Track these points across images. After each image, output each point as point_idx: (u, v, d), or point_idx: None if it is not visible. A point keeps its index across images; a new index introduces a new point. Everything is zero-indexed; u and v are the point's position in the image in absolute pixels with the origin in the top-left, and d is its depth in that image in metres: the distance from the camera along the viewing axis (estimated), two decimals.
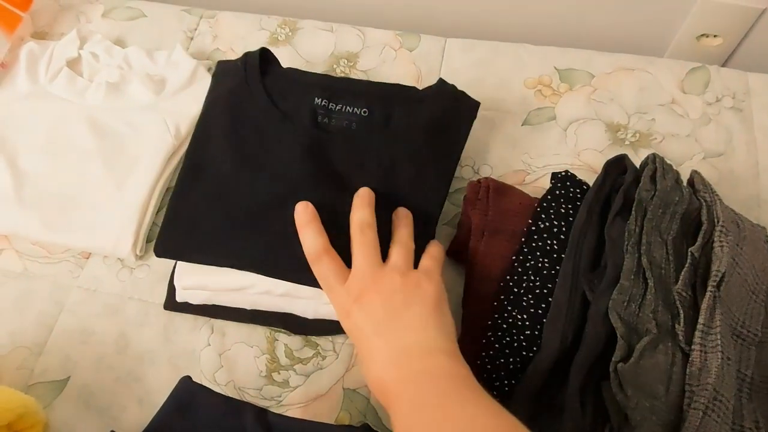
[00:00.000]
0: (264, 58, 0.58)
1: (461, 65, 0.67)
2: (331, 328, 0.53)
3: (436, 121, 0.54)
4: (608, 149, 0.61)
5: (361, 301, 0.45)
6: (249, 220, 0.50)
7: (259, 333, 0.55)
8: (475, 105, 0.57)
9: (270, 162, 0.53)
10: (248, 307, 0.53)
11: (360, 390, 0.52)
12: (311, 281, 0.48)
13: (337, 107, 0.56)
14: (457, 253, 0.55)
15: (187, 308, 0.55)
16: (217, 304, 0.53)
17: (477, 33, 0.71)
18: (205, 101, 0.58)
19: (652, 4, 0.72)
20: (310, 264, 0.47)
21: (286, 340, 0.54)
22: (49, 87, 0.66)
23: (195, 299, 0.53)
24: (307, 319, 0.53)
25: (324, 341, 0.54)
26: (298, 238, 0.49)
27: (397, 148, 0.53)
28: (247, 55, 0.59)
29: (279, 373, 0.53)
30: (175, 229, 0.51)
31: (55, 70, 0.67)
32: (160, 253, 0.51)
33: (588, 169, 0.60)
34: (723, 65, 0.76)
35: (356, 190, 0.51)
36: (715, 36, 0.74)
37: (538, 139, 0.62)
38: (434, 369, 0.41)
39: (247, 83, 0.57)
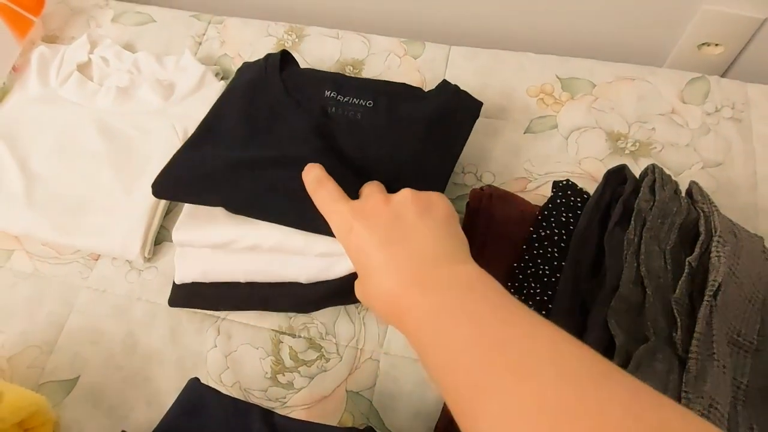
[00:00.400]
0: (284, 58, 0.62)
1: (464, 73, 0.69)
2: (329, 293, 0.52)
3: (439, 113, 0.56)
4: (608, 158, 0.62)
5: (366, 215, 0.41)
6: (248, 170, 0.52)
7: (264, 335, 0.56)
8: (478, 103, 0.59)
9: (278, 137, 0.56)
10: (243, 280, 0.54)
11: (363, 392, 0.53)
12: (304, 220, 0.49)
13: (345, 99, 0.59)
14: None
15: (189, 300, 0.56)
16: (213, 280, 0.54)
17: (480, 41, 0.72)
18: (225, 89, 0.62)
19: (653, 13, 0.73)
20: (311, 194, 0.46)
21: (291, 342, 0.56)
22: (60, 90, 0.68)
23: (191, 273, 0.54)
24: (303, 287, 0.53)
25: (328, 344, 0.55)
26: (294, 187, 0.49)
27: (399, 135, 0.55)
28: (269, 55, 0.63)
29: (284, 375, 0.54)
30: (175, 171, 0.54)
31: (65, 73, 0.68)
32: (156, 192, 0.54)
33: (588, 177, 0.61)
34: (724, 74, 0.78)
35: (358, 171, 0.51)
36: (716, 45, 0.75)
37: (540, 147, 0.63)
38: (459, 276, 0.37)
39: (267, 76, 0.60)
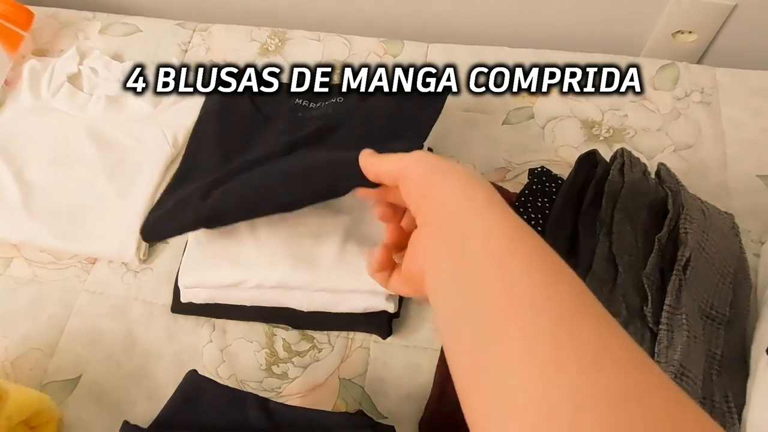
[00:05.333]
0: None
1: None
2: (326, 321, 0.56)
3: (409, 97, 0.58)
4: (584, 145, 0.65)
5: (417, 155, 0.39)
6: (227, 180, 0.54)
7: (258, 329, 0.58)
8: (447, 87, 0.60)
9: (252, 154, 0.57)
10: (248, 304, 0.56)
11: (354, 379, 0.55)
12: (312, 185, 0.47)
13: (316, 105, 0.61)
14: None
15: (192, 310, 0.58)
16: (219, 302, 0.57)
17: (458, 38, 0.74)
18: (200, 112, 0.63)
19: (628, 2, 0.75)
20: (373, 166, 0.42)
21: (284, 335, 0.58)
22: (52, 102, 0.70)
23: (198, 299, 0.56)
24: (303, 312, 0.56)
25: (320, 335, 0.57)
26: (281, 170, 0.51)
27: (370, 114, 0.57)
28: None
29: (278, 366, 0.56)
30: (157, 212, 0.56)
31: (56, 85, 0.70)
32: (146, 236, 0.56)
33: (565, 164, 0.63)
34: (699, 61, 0.80)
35: (329, 147, 0.53)
36: (690, 32, 0.77)
37: (517, 138, 0.66)
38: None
39: (235, 96, 0.62)
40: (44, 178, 0.65)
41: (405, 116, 0.55)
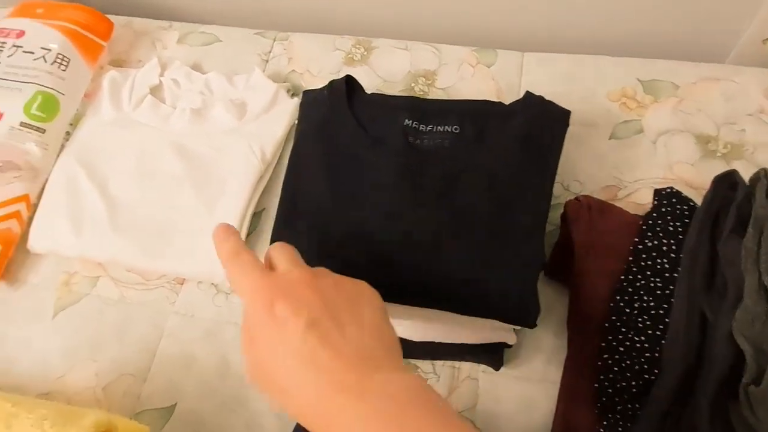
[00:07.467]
0: (349, 85, 0.59)
1: (541, 79, 0.67)
2: (435, 350, 0.52)
3: (530, 129, 0.54)
4: (700, 162, 0.60)
5: (289, 292, 0.36)
6: (349, 248, 0.50)
7: None
8: (566, 112, 0.56)
9: (366, 188, 0.53)
10: None
11: (464, 413, 0.52)
12: (416, 300, 0.48)
13: (428, 128, 0.56)
14: (553, 273, 0.55)
15: None
16: None
17: (553, 47, 0.70)
18: (296, 133, 0.59)
19: (715, 9, 0.70)
20: (224, 265, 0.40)
21: None
22: (133, 114, 0.68)
23: None
24: (414, 342, 0.52)
25: (424, 364, 0.54)
26: (400, 259, 0.48)
27: (493, 161, 0.53)
28: (332, 83, 0.60)
29: None
30: None
31: (138, 97, 0.68)
32: None
33: (681, 182, 0.59)
34: None
35: (456, 207, 0.51)
36: None
37: (626, 153, 0.62)
38: (397, 384, 0.33)
39: (335, 112, 0.57)
40: (128, 193, 0.63)
41: (524, 169, 0.52)
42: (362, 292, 0.39)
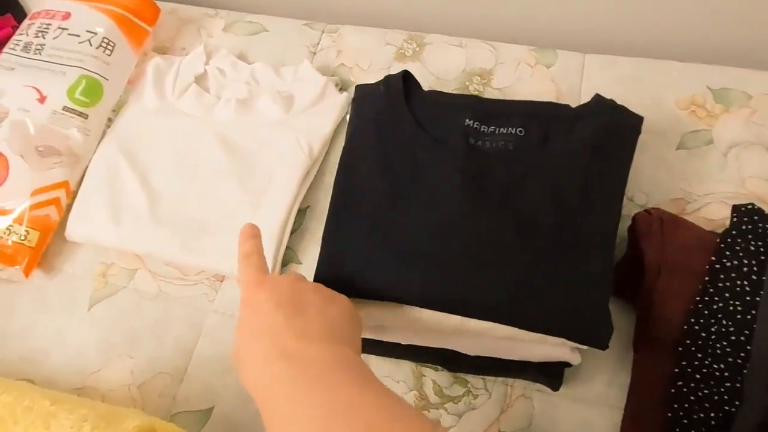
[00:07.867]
0: (406, 81, 0.56)
1: (603, 83, 0.63)
2: (489, 366, 0.49)
3: (601, 136, 0.51)
4: None
5: (272, 284, 0.41)
6: (409, 253, 0.47)
7: (404, 367, 0.52)
8: (638, 119, 0.53)
9: (426, 190, 0.50)
10: (404, 342, 0.50)
11: None
12: (480, 313, 0.45)
13: (490, 129, 0.53)
14: (618, 289, 0.51)
15: None
16: (365, 336, 0.51)
17: (615, 49, 0.66)
18: (348, 129, 0.56)
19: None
20: (238, 262, 0.44)
21: (434, 376, 0.51)
22: (177, 103, 0.65)
23: None
24: (466, 355, 0.49)
25: (474, 379, 0.51)
26: (462, 269, 0.46)
27: (559, 166, 0.50)
28: (388, 78, 0.57)
29: (429, 412, 0.50)
30: (333, 265, 0.48)
31: (182, 86, 0.66)
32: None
33: (755, 198, 0.55)
34: None
35: (519, 212, 0.48)
36: None
37: (695, 165, 0.58)
38: (332, 353, 0.36)
39: (392, 108, 0.54)
40: (170, 185, 0.60)
41: (593, 177, 0.49)
42: (339, 301, 0.42)
